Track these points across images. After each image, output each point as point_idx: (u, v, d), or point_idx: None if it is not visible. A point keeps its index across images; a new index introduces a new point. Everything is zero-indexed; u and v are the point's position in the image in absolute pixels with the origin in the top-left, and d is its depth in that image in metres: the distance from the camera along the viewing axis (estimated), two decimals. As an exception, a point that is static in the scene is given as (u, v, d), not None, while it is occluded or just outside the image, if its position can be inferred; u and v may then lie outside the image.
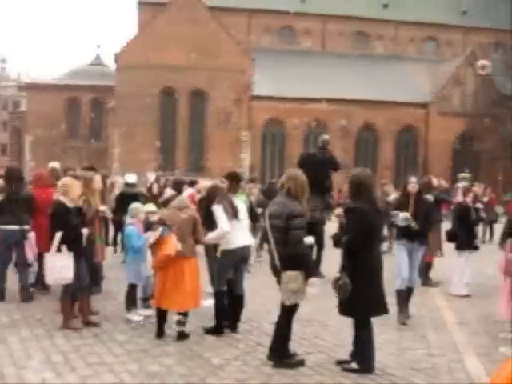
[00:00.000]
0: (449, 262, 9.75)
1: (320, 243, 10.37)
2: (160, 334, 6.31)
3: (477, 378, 5.32)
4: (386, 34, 48.39)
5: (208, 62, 38.36)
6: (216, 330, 6.49)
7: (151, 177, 13.19)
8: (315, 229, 10.30)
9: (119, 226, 11.20)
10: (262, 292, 8.32)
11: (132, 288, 7.16)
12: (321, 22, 47.45)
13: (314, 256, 10.32)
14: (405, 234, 7.42)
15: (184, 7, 38.90)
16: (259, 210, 11.20)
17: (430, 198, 8.82)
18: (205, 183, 9.12)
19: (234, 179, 7.01)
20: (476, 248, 9.52)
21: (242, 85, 39.51)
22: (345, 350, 5.71)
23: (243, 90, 39.54)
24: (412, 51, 48.41)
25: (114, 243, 12.54)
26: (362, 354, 5.39)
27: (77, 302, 6.79)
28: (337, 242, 5.59)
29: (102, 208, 7.91)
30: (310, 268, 5.63)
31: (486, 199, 17.87)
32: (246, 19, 46.32)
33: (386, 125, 41.23)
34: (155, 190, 12.26)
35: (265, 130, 40.71)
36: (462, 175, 8.06)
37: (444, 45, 49.23)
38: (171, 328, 6.41)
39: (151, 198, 11.06)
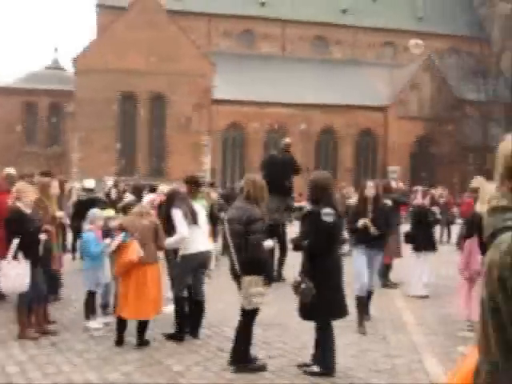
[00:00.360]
0: (408, 263, 9.87)
1: (282, 246, 10.39)
2: (119, 341, 6.21)
3: (436, 377, 5.38)
4: (345, 39, 48.94)
5: (168, 66, 38.15)
6: (176, 336, 6.42)
7: (109, 182, 13.01)
8: (277, 231, 10.35)
9: (77, 233, 11.00)
10: (222, 297, 8.28)
11: (90, 295, 7.04)
12: (280, 26, 47.71)
13: (276, 259, 10.36)
14: (364, 239, 7.23)
15: (143, 11, 38.62)
16: (222, 215, 11.17)
17: (387, 202, 8.85)
18: (164, 187, 9.04)
19: (193, 183, 6.96)
20: (434, 249, 9.66)
21: (202, 89, 39.41)
22: (306, 353, 5.72)
23: (203, 94, 39.45)
24: (370, 56, 49.08)
25: (73, 250, 12.32)
26: (323, 357, 5.39)
27: (33, 310, 6.63)
28: (296, 245, 5.59)
29: (59, 214, 7.76)
30: (270, 272, 5.61)
31: (442, 201, 18.22)
32: (205, 23, 46.22)
33: (346, 128, 41.66)
34: (113, 195, 12.10)
35: (225, 133, 40.68)
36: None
37: (401, 50, 50.02)
38: (131, 335, 6.31)
39: (109, 203, 10.91)
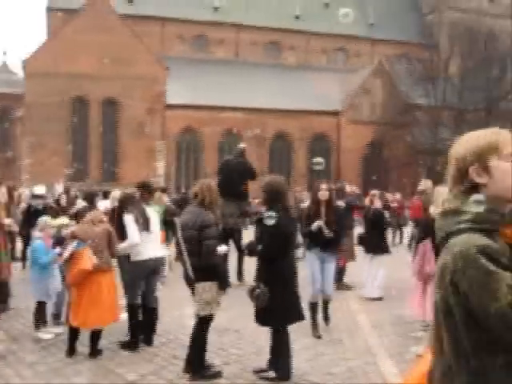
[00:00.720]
0: (362, 265, 9.97)
1: (239, 250, 10.35)
2: (71, 351, 6.04)
3: (391, 379, 5.43)
4: (298, 45, 49.41)
5: (121, 70, 37.72)
6: (131, 345, 6.30)
7: (59, 188, 12.72)
8: (232, 236, 10.32)
9: (27, 240, 10.72)
10: (179, 304, 8.18)
11: (40, 305, 6.84)
12: (234, 31, 47.82)
13: (234, 264, 10.31)
14: (317, 242, 7.16)
15: (96, 15, 38.07)
16: (175, 220, 11.06)
17: (341, 204, 8.91)
18: (116, 193, 8.90)
19: (146, 189, 6.85)
20: (387, 251, 9.79)
21: (155, 93, 39.13)
22: (262, 359, 5.69)
23: (157, 98, 39.16)
24: (323, 61, 49.66)
25: (23, 258, 11.98)
26: (280, 362, 5.37)
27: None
28: (251, 250, 5.56)
29: (8, 221, 7.54)
30: (224, 278, 5.56)
31: (395, 205, 18.51)
32: (159, 27, 45.92)
33: (299, 133, 42.00)
34: (63, 201, 11.82)
35: (179, 138, 40.45)
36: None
37: (353, 55, 50.86)
38: (83, 345, 6.16)
39: (60, 210, 10.66)
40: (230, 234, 10.22)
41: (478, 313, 1.59)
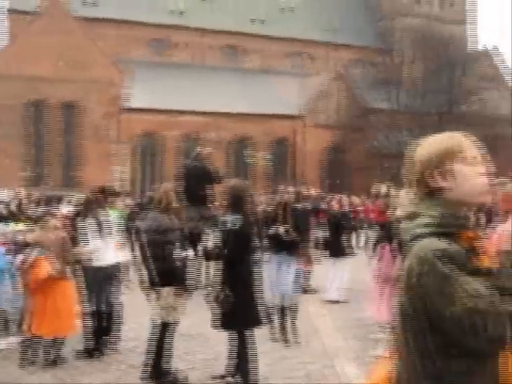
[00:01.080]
0: (325, 269, 10.00)
1: (201, 255, 10.26)
2: (25, 362, 5.86)
3: (350, 381, 5.44)
4: (258, 49, 49.50)
5: (79, 73, 37.13)
6: (86, 353, 6.15)
7: (18, 193, 12.44)
8: (199, 241, 10.22)
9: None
10: (142, 309, 8.03)
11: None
12: (195, 35, 47.62)
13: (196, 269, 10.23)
14: (276, 245, 7.17)
15: (53, 17, 37.40)
16: (136, 225, 10.92)
17: (301, 207, 8.91)
18: (76, 197, 8.77)
19: (104, 193, 6.72)
20: (350, 254, 9.86)
21: (113, 97, 38.64)
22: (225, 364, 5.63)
23: (115, 102, 38.68)
24: (282, 65, 49.84)
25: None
26: (240, 368, 5.30)
27: None
28: (207, 254, 5.50)
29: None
30: (187, 282, 5.50)
31: (358, 208, 18.67)
32: (118, 31, 45.38)
33: (260, 137, 41.98)
34: (22, 206, 11.55)
35: (139, 142, 40.03)
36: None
37: (313, 60, 51.24)
38: (38, 355, 5.95)
39: (18, 215, 10.41)
40: (198, 238, 10.14)
41: (434, 316, 1.60)
